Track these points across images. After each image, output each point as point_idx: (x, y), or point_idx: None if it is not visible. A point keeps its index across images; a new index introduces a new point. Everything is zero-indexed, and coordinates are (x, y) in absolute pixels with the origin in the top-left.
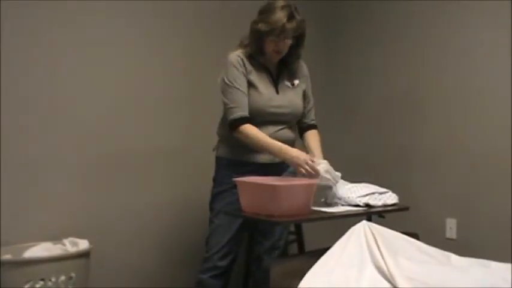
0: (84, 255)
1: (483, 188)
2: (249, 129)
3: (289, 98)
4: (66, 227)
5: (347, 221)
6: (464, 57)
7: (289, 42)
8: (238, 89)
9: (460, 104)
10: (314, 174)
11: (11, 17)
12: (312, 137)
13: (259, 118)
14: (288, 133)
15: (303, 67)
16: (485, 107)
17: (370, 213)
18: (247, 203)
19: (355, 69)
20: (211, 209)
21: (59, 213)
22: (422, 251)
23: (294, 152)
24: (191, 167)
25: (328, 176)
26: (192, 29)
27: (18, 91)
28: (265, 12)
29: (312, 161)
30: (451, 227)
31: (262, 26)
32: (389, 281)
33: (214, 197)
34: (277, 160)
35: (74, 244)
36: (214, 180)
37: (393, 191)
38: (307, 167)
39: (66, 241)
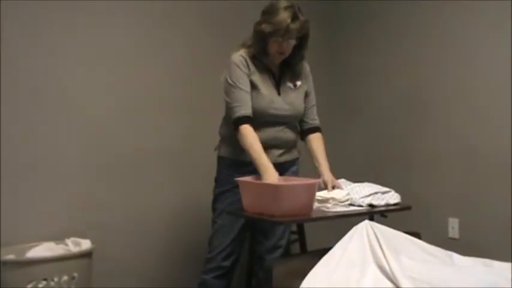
0: (86, 255)
1: (485, 187)
2: (247, 132)
3: (290, 99)
4: (68, 227)
5: (349, 220)
6: (465, 57)
7: (292, 43)
8: (242, 88)
9: (461, 104)
10: None
11: (11, 17)
12: (317, 144)
13: (260, 119)
14: (288, 133)
15: (306, 67)
16: (486, 106)
17: (372, 213)
18: (249, 202)
19: (356, 69)
20: (213, 209)
21: (61, 213)
22: (425, 251)
23: (271, 177)
24: (193, 167)
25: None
26: (195, 30)
27: (18, 91)
28: (269, 12)
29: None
30: (453, 227)
31: (266, 27)
32: (391, 281)
33: (217, 197)
34: (279, 160)
35: (77, 244)
36: (216, 180)
37: (395, 191)
38: None
39: (68, 241)
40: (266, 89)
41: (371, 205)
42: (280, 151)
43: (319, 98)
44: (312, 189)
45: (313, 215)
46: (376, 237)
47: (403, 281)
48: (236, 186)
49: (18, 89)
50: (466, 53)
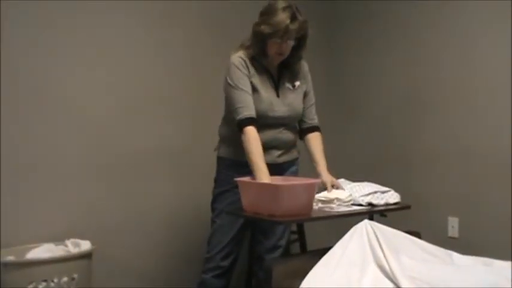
0: (86, 256)
1: (485, 186)
2: (251, 135)
3: (289, 101)
4: (68, 228)
5: (349, 220)
6: (465, 57)
7: (291, 43)
8: (243, 89)
9: (461, 103)
10: None
11: (11, 17)
12: (315, 143)
13: (260, 122)
14: (287, 134)
15: (304, 66)
16: (485, 105)
17: (372, 212)
18: (249, 202)
19: (355, 69)
20: (213, 209)
21: (61, 214)
22: (425, 250)
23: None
24: (193, 167)
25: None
26: (195, 30)
27: (18, 91)
28: (267, 13)
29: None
30: (453, 226)
31: (265, 28)
32: (391, 280)
33: (216, 197)
34: (278, 160)
35: (76, 245)
36: (216, 180)
37: (395, 190)
38: None
39: (68, 242)
40: (265, 91)
41: (371, 204)
42: (279, 152)
43: (318, 98)
44: (311, 189)
45: (313, 215)
46: (376, 236)
47: (403, 281)
48: (235, 186)
49: (18, 89)
50: (465, 52)
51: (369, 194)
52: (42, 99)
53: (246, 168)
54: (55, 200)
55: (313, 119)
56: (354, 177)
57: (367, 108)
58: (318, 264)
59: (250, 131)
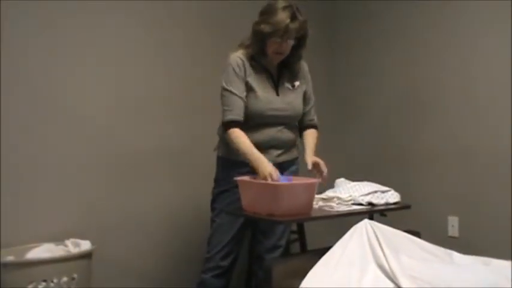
0: (86, 256)
1: (485, 185)
2: (235, 134)
3: (289, 100)
4: (68, 228)
5: (349, 219)
6: (464, 57)
7: (291, 43)
8: (232, 92)
9: (460, 103)
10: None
11: (11, 17)
12: (308, 136)
13: (258, 120)
14: (287, 134)
15: (304, 66)
16: (485, 105)
17: (372, 212)
18: (249, 202)
19: (355, 69)
20: (212, 208)
21: (61, 214)
22: (425, 249)
23: (265, 164)
24: (193, 167)
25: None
26: (195, 30)
27: (18, 91)
28: (267, 13)
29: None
30: (453, 225)
31: (265, 28)
32: (391, 280)
33: (216, 196)
34: (278, 160)
35: (76, 245)
36: (216, 180)
37: (395, 190)
38: (269, 180)
39: (68, 242)
40: (264, 90)
41: (371, 203)
42: (279, 151)
43: (318, 98)
44: (311, 189)
45: (313, 214)
46: (376, 236)
47: (403, 280)
48: (235, 186)
49: (18, 89)
50: (465, 52)
51: (369, 193)
52: (42, 99)
53: (245, 167)
54: (55, 200)
55: (312, 119)
56: (354, 177)
57: (367, 108)
58: (317, 263)
59: (235, 131)
